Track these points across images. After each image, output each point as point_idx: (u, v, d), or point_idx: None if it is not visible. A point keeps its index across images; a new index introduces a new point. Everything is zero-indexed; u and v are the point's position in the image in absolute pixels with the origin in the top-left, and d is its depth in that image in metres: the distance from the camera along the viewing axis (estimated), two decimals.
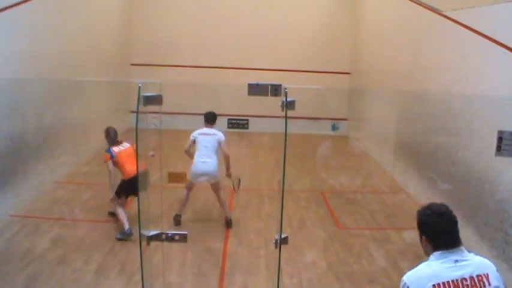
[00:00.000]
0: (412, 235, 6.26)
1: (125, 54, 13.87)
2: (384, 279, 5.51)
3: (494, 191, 5.86)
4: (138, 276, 4.34)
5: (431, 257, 2.51)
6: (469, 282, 2.38)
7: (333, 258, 6.06)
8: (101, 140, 11.70)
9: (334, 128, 14.15)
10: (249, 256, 6.05)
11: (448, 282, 2.38)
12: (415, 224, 2.59)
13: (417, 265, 2.52)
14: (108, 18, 12.49)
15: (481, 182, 6.20)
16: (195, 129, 6.91)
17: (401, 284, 2.48)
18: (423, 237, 2.56)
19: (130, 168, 6.34)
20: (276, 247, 4.10)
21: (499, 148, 4.53)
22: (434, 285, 2.37)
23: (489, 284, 2.38)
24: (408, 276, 2.48)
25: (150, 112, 3.74)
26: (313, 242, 6.59)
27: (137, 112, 3.53)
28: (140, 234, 3.76)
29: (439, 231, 2.50)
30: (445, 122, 7.51)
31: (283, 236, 4.06)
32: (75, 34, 9.64)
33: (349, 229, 7.13)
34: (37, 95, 7.73)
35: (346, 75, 14.54)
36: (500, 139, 4.49)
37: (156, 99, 3.61)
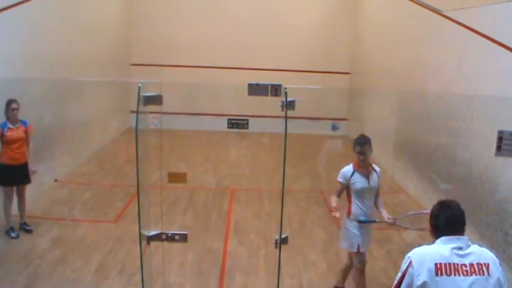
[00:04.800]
0: (412, 235, 6.28)
1: (124, 54, 13.87)
2: (384, 279, 5.50)
3: (494, 190, 5.86)
4: (138, 276, 4.34)
5: (438, 241, 2.64)
6: (468, 268, 2.49)
7: (333, 258, 6.05)
8: (101, 140, 11.68)
9: (334, 128, 14.12)
10: (249, 256, 6.04)
11: (449, 264, 2.50)
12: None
13: None
14: (108, 18, 12.48)
15: (481, 182, 6.20)
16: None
17: (405, 259, 2.61)
18: (433, 225, 2.71)
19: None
20: (276, 247, 4.10)
21: (499, 148, 4.53)
22: (436, 264, 2.50)
23: (488, 274, 2.48)
24: (414, 253, 2.61)
25: (150, 112, 3.74)
26: (313, 242, 6.59)
27: (137, 112, 3.53)
28: (140, 234, 3.75)
29: (446, 217, 2.67)
30: (445, 122, 7.51)
31: (283, 236, 4.06)
32: (75, 34, 9.64)
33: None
34: (37, 94, 7.72)
35: (346, 75, 14.53)
36: (500, 139, 4.50)
37: (156, 99, 3.61)
